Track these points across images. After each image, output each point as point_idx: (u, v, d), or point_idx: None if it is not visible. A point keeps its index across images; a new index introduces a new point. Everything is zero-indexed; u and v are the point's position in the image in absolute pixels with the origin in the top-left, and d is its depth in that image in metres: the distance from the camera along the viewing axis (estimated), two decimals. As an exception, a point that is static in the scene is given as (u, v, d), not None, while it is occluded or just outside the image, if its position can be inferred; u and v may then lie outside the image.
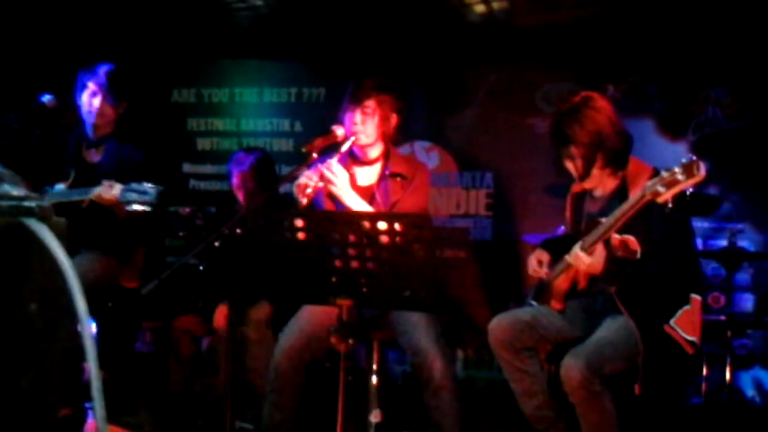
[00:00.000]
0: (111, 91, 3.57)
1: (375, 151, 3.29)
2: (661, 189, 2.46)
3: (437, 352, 3.03)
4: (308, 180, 3.04)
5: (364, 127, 3.17)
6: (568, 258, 2.81)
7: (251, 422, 3.49)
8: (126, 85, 3.67)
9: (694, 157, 2.42)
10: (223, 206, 4.12)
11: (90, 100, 3.59)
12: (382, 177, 3.26)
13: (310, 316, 3.16)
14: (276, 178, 3.94)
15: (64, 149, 3.69)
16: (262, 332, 3.62)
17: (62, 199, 3.29)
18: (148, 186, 3.10)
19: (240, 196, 3.86)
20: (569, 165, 2.95)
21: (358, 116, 3.17)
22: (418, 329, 3.07)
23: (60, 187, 3.45)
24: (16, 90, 4.68)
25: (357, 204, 3.10)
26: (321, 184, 3.07)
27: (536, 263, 3.14)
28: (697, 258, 3.34)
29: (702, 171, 2.39)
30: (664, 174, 2.47)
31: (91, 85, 3.59)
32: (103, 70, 3.63)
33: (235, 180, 3.85)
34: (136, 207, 3.08)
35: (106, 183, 3.19)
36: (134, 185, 3.11)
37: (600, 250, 2.70)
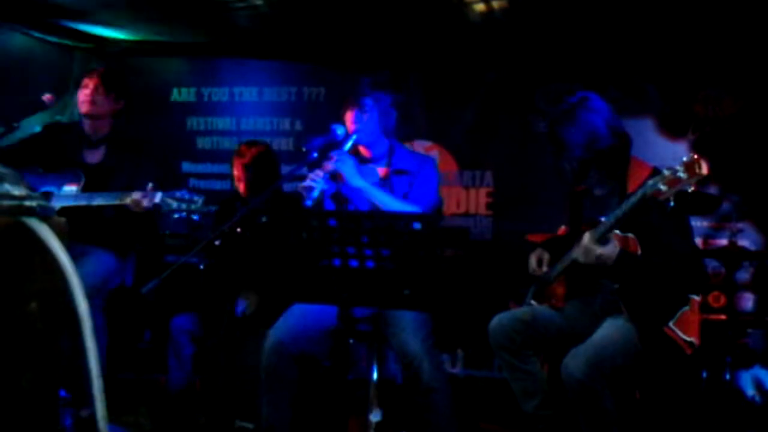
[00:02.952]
0: (103, 82, 3.66)
1: (379, 149, 3.30)
2: (662, 187, 2.44)
3: (424, 354, 3.01)
4: (312, 182, 3.04)
5: (363, 125, 3.18)
6: (574, 252, 2.77)
7: (251, 421, 3.49)
8: (120, 81, 3.72)
9: (696, 155, 2.39)
10: (223, 205, 4.11)
11: (83, 92, 3.67)
12: (388, 174, 3.27)
13: (297, 313, 3.14)
14: (278, 175, 3.92)
15: (64, 148, 3.70)
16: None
17: (80, 204, 3.30)
18: (194, 195, 3.28)
19: (241, 188, 3.85)
20: (567, 165, 2.94)
21: (357, 115, 3.19)
22: (406, 331, 3.05)
23: (71, 189, 3.45)
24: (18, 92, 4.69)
25: (368, 187, 3.10)
26: (326, 187, 3.07)
27: (536, 262, 3.14)
28: (700, 256, 3.34)
29: (704, 169, 2.36)
30: (666, 172, 2.45)
31: (86, 81, 3.68)
32: (97, 70, 3.74)
33: (236, 171, 3.84)
34: (180, 214, 3.27)
35: (149, 187, 3.29)
36: (176, 193, 3.28)
37: (614, 240, 2.67)
